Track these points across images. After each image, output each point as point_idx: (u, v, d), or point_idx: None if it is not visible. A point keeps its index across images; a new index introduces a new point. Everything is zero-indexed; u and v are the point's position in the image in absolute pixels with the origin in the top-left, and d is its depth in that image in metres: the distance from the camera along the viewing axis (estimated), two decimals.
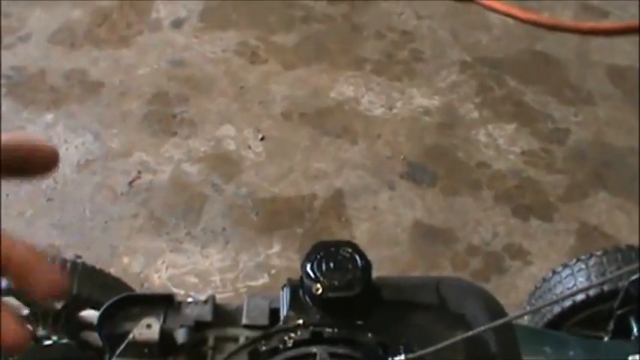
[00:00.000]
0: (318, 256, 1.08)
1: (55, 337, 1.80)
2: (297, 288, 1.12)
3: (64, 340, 1.77)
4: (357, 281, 1.06)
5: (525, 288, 2.43)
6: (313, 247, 1.10)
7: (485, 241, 2.76)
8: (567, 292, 1.80)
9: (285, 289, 1.14)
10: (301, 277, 1.09)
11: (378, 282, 1.12)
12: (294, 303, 1.10)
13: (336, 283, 1.05)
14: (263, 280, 2.64)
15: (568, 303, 1.81)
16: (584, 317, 1.84)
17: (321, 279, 1.06)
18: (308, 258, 1.08)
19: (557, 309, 1.83)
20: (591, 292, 1.77)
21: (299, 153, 3.04)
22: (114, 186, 2.93)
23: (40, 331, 1.84)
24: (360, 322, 1.06)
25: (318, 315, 1.07)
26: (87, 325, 1.91)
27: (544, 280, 1.92)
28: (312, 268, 1.07)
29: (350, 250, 1.10)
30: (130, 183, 2.94)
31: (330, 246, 1.10)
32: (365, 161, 3.02)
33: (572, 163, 3.05)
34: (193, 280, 2.63)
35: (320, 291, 1.05)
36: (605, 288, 1.75)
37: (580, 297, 1.78)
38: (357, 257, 1.09)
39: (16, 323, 0.67)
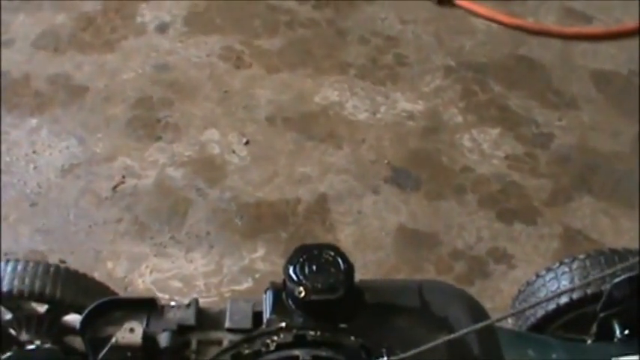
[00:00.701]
0: (301, 259, 1.09)
1: (38, 342, 1.79)
2: (280, 291, 1.12)
3: (48, 345, 1.76)
4: (340, 284, 1.07)
5: (510, 292, 2.43)
6: (295, 251, 1.11)
7: (469, 245, 2.77)
8: (550, 295, 1.80)
9: (267, 293, 1.14)
10: (284, 281, 1.09)
11: (360, 285, 1.12)
12: (277, 306, 1.10)
13: (318, 286, 1.06)
14: (247, 284, 2.63)
15: (552, 306, 1.81)
16: (567, 320, 1.84)
17: (304, 282, 1.06)
18: (290, 261, 1.08)
19: (540, 312, 1.83)
20: (574, 295, 1.77)
21: (283, 157, 3.04)
22: (98, 191, 2.92)
23: (24, 336, 1.83)
24: (343, 325, 1.06)
25: (301, 318, 1.08)
26: (70, 330, 1.91)
27: (528, 283, 1.93)
28: (294, 271, 1.07)
29: (332, 253, 1.10)
30: (114, 188, 2.93)
31: (313, 249, 1.10)
32: (349, 166, 3.02)
33: (556, 167, 3.06)
34: (177, 284, 2.62)
35: (303, 294, 1.05)
36: (589, 291, 1.75)
37: (564, 300, 1.79)
38: (340, 260, 1.10)
39: None
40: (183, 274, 2.66)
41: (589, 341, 1.83)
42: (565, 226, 2.84)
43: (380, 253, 2.71)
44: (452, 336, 1.06)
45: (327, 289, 1.06)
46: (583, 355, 1.65)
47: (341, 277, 1.07)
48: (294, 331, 1.05)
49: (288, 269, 1.08)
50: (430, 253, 2.73)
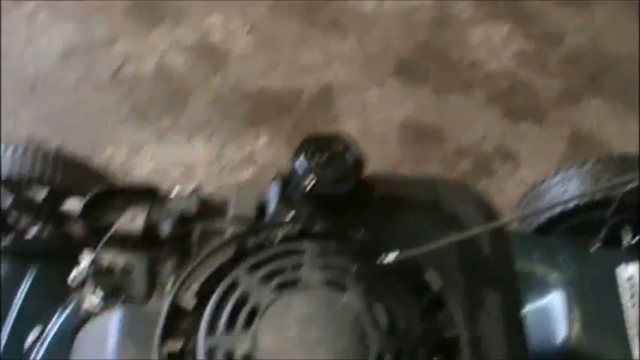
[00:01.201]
0: (310, 150, 1.04)
1: (38, 227, 1.77)
2: (286, 182, 1.08)
3: (48, 230, 1.74)
4: (349, 176, 1.03)
5: (514, 192, 2.39)
6: (303, 141, 1.06)
7: (474, 142, 2.73)
8: (559, 199, 1.77)
9: (274, 183, 1.11)
10: (291, 171, 1.05)
11: (370, 178, 1.08)
12: (284, 197, 1.06)
13: (327, 177, 1.02)
14: (248, 173, 2.60)
15: (558, 209, 1.79)
16: (572, 225, 1.82)
17: (312, 174, 1.02)
18: (298, 151, 1.04)
19: (546, 215, 1.81)
20: (583, 200, 1.75)
21: (287, 46, 2.96)
22: (98, 76, 2.86)
23: (24, 221, 1.81)
24: (351, 219, 1.03)
25: (308, 210, 1.04)
26: (71, 216, 1.88)
27: (535, 185, 1.89)
28: (302, 163, 1.03)
29: (342, 145, 1.06)
30: (115, 73, 2.86)
31: (322, 139, 1.06)
32: (355, 56, 2.95)
33: (566, 67, 2.99)
34: (178, 172, 2.59)
35: (310, 186, 1.01)
36: (597, 196, 1.72)
37: (571, 204, 1.76)
38: (350, 151, 1.05)
39: None
40: (184, 161, 2.62)
41: (594, 246, 1.81)
42: (573, 128, 2.79)
43: (384, 147, 2.66)
44: (463, 235, 1.03)
45: (335, 182, 1.02)
46: (589, 260, 1.63)
47: (350, 169, 1.03)
48: (301, 223, 1.02)
49: (295, 159, 1.04)
50: (435, 149, 2.69)
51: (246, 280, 0.93)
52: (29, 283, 1.68)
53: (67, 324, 1.57)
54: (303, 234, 1.01)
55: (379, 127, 2.73)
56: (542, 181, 1.86)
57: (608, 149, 2.60)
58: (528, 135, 2.77)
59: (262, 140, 2.68)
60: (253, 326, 0.88)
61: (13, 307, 1.65)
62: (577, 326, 1.49)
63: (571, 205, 1.75)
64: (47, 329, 1.60)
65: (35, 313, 1.65)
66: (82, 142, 2.62)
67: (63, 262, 1.74)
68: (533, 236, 1.75)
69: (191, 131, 2.70)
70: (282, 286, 0.92)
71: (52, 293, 1.66)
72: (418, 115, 2.79)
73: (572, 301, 1.52)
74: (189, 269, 0.97)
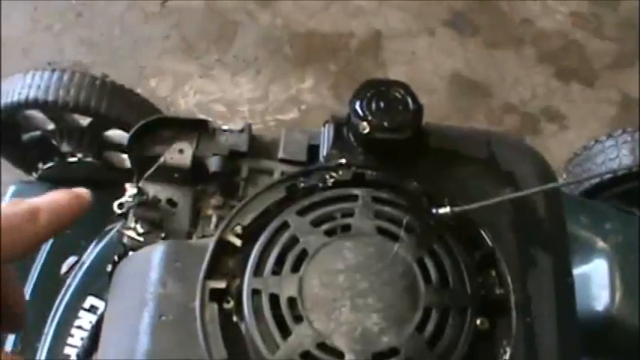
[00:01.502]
0: (368, 94, 1.01)
1: (79, 155, 1.76)
2: (341, 126, 1.05)
3: (89, 159, 1.73)
4: (407, 124, 0.99)
5: (559, 153, 2.36)
6: (363, 85, 1.03)
7: (522, 100, 2.68)
8: (610, 164, 1.73)
9: (327, 126, 1.08)
10: (348, 115, 1.02)
11: (426, 128, 1.05)
12: (338, 141, 1.03)
13: (385, 124, 0.99)
14: (292, 114, 2.57)
15: (608, 174, 1.75)
16: (620, 191, 1.78)
17: (370, 118, 0.99)
18: (357, 95, 1.01)
19: (595, 179, 1.77)
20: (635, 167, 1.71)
21: None
22: (145, 5, 2.83)
23: (65, 148, 1.80)
24: (405, 169, 1.00)
25: (362, 156, 1.01)
26: (112, 145, 1.87)
27: (585, 147, 1.85)
28: (360, 106, 1.00)
29: (402, 92, 1.02)
30: (163, 3, 2.83)
31: (382, 85, 1.03)
32: (406, 3, 2.89)
33: (622, 31, 2.91)
34: (221, 108, 2.57)
35: (367, 130, 0.98)
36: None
37: (622, 170, 1.72)
38: (410, 99, 1.02)
39: None
40: (228, 98, 2.60)
41: None
42: (624, 94, 2.73)
43: (431, 97, 2.62)
44: (520, 193, 0.99)
45: (393, 128, 0.99)
46: (638, 229, 1.59)
47: (409, 117, 1.00)
48: (354, 168, 0.99)
49: (354, 103, 1.00)
50: (482, 103, 2.65)
51: (296, 222, 0.90)
52: None
53: (104, 255, 1.58)
54: (356, 180, 0.98)
55: (427, 77, 2.69)
56: (594, 144, 1.82)
57: None
58: (578, 97, 2.71)
59: (308, 82, 2.65)
60: (301, 270, 0.86)
61: None
62: (620, 295, 1.47)
63: (622, 170, 1.72)
64: (83, 258, 1.60)
65: (71, 239, 1.65)
66: (126, 72, 2.61)
67: (101, 192, 1.75)
68: (582, 199, 1.71)
69: (237, 68, 2.67)
70: (333, 232, 0.90)
71: (89, 221, 1.66)
72: (467, 68, 2.74)
73: (617, 270, 1.49)
74: (238, 207, 0.95)
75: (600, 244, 1.54)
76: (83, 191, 0.82)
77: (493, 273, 0.94)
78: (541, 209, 1.03)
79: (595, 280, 1.49)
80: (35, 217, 0.76)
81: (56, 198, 0.79)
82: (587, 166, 1.81)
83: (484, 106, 2.64)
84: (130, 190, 1.11)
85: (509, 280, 0.93)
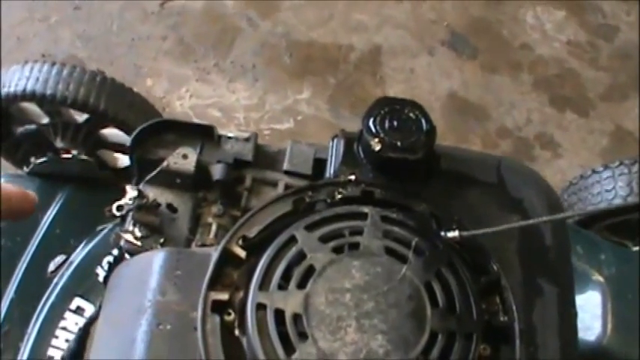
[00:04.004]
0: (382, 112, 1.00)
1: (74, 152, 1.73)
2: (351, 141, 1.04)
3: (83, 156, 1.70)
4: (420, 145, 0.98)
5: (552, 180, 2.31)
6: (377, 102, 1.02)
7: (517, 125, 2.68)
8: (606, 195, 1.73)
9: (336, 140, 1.06)
10: (360, 131, 1.01)
11: (437, 150, 1.04)
12: (347, 157, 1.02)
13: (397, 143, 0.97)
14: (288, 124, 2.56)
15: (602, 206, 1.75)
16: (613, 223, 1.78)
17: (382, 136, 0.98)
18: (371, 111, 1.00)
19: (589, 210, 1.77)
20: (629, 199, 1.71)
21: (341, 1, 2.91)
22: (145, 4, 2.81)
23: (59, 143, 1.77)
24: (414, 190, 0.99)
25: (372, 174, 1.00)
26: (107, 144, 1.85)
27: (582, 177, 1.85)
28: (374, 123, 0.99)
29: (416, 112, 1.01)
30: (162, 4, 2.81)
31: (396, 103, 1.01)
32: (408, 22, 2.89)
33: (616, 62, 2.93)
34: (216, 113, 2.55)
35: (379, 147, 0.97)
36: None
37: (617, 202, 1.72)
38: (423, 120, 1.01)
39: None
40: (224, 103, 2.58)
41: (634, 248, 1.78)
42: (616, 125, 2.74)
43: None
44: (528, 222, 0.98)
45: (405, 148, 0.97)
46: (631, 261, 1.59)
47: (422, 137, 0.99)
48: (363, 185, 0.98)
49: (367, 119, 0.99)
50: (478, 126, 2.65)
51: (304, 237, 0.89)
52: (57, 207, 1.65)
53: (94, 255, 1.55)
54: (365, 197, 0.97)
55: (424, 96, 2.68)
56: (590, 174, 1.82)
57: None
58: (572, 125, 2.72)
59: (306, 93, 2.63)
60: (307, 286, 0.84)
61: (39, 229, 1.62)
62: (612, 326, 1.46)
63: (616, 202, 1.72)
64: (71, 258, 1.57)
65: (60, 238, 1.62)
66: (122, 69, 2.58)
67: (93, 190, 1.72)
68: (578, 229, 1.71)
69: (234, 74, 2.65)
70: (341, 249, 0.88)
71: (79, 220, 1.64)
72: (464, 89, 2.74)
73: (610, 301, 1.49)
74: (244, 218, 0.93)
75: (595, 275, 1.54)
76: (32, 195, 0.80)
77: (497, 300, 0.93)
78: (548, 238, 1.02)
79: (588, 310, 1.49)
80: None
81: (7, 191, 0.78)
82: (583, 196, 1.81)
83: (479, 129, 2.63)
84: (130, 192, 1.09)
85: (513, 307, 0.91)
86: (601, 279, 1.53)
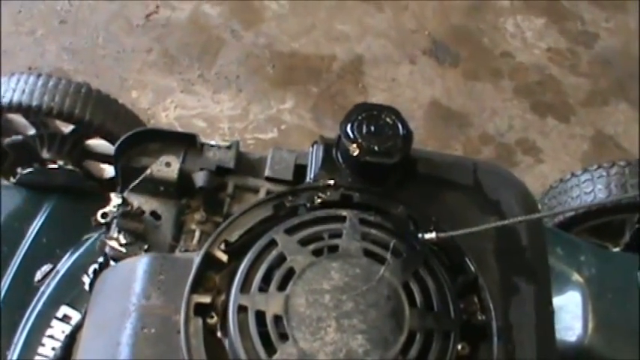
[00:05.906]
0: (360, 117, 1.02)
1: (60, 162, 1.75)
2: (330, 147, 1.06)
3: (69, 167, 1.71)
4: (397, 149, 1.01)
5: (533, 185, 2.36)
6: (355, 107, 1.04)
7: (499, 131, 2.71)
8: (585, 198, 1.76)
9: (315, 147, 1.09)
10: (338, 137, 1.03)
11: (414, 154, 1.06)
12: (326, 162, 1.04)
13: (375, 147, 1.00)
14: (272, 134, 2.57)
15: (582, 209, 1.77)
16: (593, 225, 1.81)
17: (360, 141, 1.00)
18: (348, 117, 1.02)
19: (570, 212, 1.79)
20: (608, 202, 1.73)
21: (323, 11, 2.93)
22: (130, 17, 2.82)
23: (45, 154, 1.78)
24: (392, 192, 1.01)
25: (350, 178, 1.02)
26: (93, 155, 1.86)
27: (561, 180, 1.88)
28: (351, 128, 1.01)
29: (393, 117, 1.04)
30: (148, 16, 2.83)
31: (373, 109, 1.04)
32: (389, 31, 2.92)
33: (596, 68, 2.96)
34: (201, 124, 2.57)
35: (357, 153, 1.00)
36: (624, 200, 1.71)
37: (596, 204, 1.75)
38: (400, 125, 1.03)
39: None
40: (209, 114, 2.60)
41: (614, 249, 1.80)
42: (597, 130, 2.77)
43: (409, 124, 2.64)
44: (504, 222, 1.01)
45: (383, 152, 1.00)
46: (611, 262, 1.61)
47: (399, 142, 1.01)
48: (342, 190, 1.00)
49: (345, 125, 1.01)
50: (460, 133, 2.67)
51: (284, 240, 0.91)
52: (44, 217, 1.66)
53: (80, 264, 1.56)
54: (344, 201, 0.99)
55: (406, 104, 2.70)
56: (569, 177, 1.85)
57: (631, 156, 2.57)
58: (553, 131, 2.75)
59: (289, 103, 2.65)
60: (287, 288, 0.86)
61: (26, 239, 1.63)
62: (593, 326, 1.48)
63: (595, 205, 1.74)
64: (57, 267, 1.58)
65: (47, 247, 1.63)
66: (108, 81, 2.60)
67: (79, 201, 1.74)
68: (558, 231, 1.73)
69: (218, 85, 2.67)
70: (320, 252, 0.90)
71: (65, 230, 1.65)
72: (446, 97, 2.76)
73: (590, 301, 1.51)
74: (226, 223, 0.95)
75: (574, 276, 1.56)
76: None
77: (475, 299, 0.95)
78: (524, 239, 1.05)
79: (569, 310, 1.51)
80: None
81: None
82: (562, 199, 1.83)
83: (461, 136, 2.66)
84: (115, 199, 1.11)
85: (491, 306, 0.94)
86: (581, 280, 1.55)
